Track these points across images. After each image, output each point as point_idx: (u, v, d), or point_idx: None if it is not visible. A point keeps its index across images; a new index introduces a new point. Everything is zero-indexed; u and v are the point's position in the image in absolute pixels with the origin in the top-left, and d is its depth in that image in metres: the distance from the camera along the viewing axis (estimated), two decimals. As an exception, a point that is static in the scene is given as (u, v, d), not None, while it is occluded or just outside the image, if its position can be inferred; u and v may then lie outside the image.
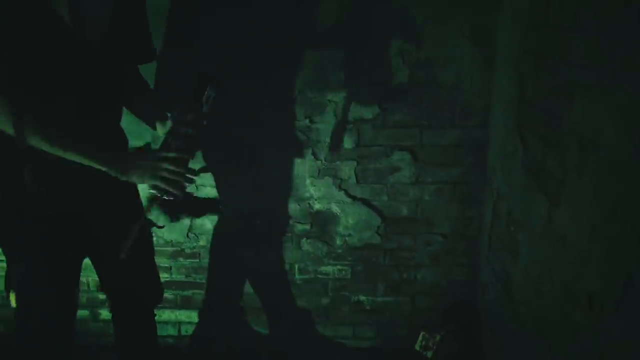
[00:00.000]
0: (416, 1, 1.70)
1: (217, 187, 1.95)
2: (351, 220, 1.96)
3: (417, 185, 1.92)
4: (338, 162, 1.90)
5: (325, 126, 1.86)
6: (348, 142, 1.87)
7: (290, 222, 1.97)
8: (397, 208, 1.95)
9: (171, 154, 1.20)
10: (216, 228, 2.00)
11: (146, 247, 1.48)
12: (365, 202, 1.94)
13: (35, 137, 1.11)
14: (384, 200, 1.94)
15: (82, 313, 1.97)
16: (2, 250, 1.31)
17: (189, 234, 2.00)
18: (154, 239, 1.98)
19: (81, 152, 1.15)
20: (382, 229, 1.97)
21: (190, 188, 1.91)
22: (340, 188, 1.93)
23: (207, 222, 1.99)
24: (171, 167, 1.19)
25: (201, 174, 1.90)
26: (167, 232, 1.99)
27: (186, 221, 1.98)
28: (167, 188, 1.20)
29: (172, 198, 1.21)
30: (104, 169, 1.17)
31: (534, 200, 1.43)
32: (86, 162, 1.16)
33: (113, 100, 1.32)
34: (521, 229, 1.54)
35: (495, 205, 1.78)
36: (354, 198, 1.94)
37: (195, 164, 1.83)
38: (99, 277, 1.48)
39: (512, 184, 1.63)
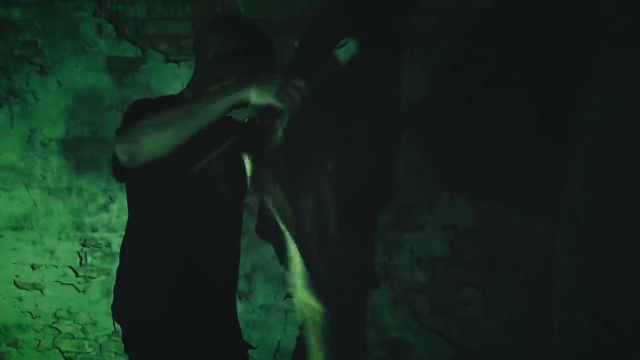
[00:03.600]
0: (489, 163, 2.01)
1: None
2: (425, 350, 2.13)
3: (487, 319, 2.08)
4: (414, 295, 2.11)
5: (402, 262, 2.10)
6: (422, 277, 2.10)
7: (368, 347, 2.16)
8: (467, 340, 2.11)
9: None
10: (299, 351, 2.21)
11: None
12: (438, 333, 2.12)
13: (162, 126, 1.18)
14: (456, 332, 2.11)
15: None
16: None
17: (276, 354, 2.21)
18: None
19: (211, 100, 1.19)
20: (453, 360, 2.12)
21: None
22: (415, 319, 2.12)
23: (293, 345, 2.20)
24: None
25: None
26: (257, 353, 2.21)
27: (274, 342, 2.21)
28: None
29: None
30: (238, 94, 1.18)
31: (602, 344, 1.57)
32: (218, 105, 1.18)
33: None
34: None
35: (563, 343, 1.91)
36: (427, 329, 2.12)
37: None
38: None
39: (579, 326, 1.78)
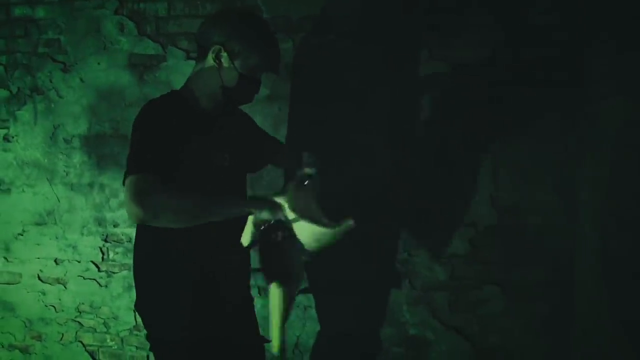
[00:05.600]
0: (504, 161, 2.00)
1: (320, 309, 2.20)
2: (444, 347, 2.13)
3: (507, 317, 2.07)
4: (433, 292, 2.11)
5: (421, 259, 2.10)
6: (442, 275, 2.10)
7: (387, 344, 2.17)
8: (486, 338, 2.10)
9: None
10: (317, 346, 2.22)
11: None
12: (457, 331, 2.11)
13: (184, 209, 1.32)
14: (475, 329, 2.11)
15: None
16: None
17: (295, 350, 2.23)
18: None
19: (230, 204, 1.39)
20: (472, 357, 2.11)
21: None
22: (434, 316, 2.12)
23: (311, 340, 2.22)
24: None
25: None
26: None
27: (292, 338, 2.22)
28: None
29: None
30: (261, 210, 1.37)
31: (622, 346, 1.56)
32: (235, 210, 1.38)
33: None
34: (613, 369, 1.65)
35: (583, 343, 1.90)
36: (446, 326, 2.12)
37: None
38: None
39: (600, 328, 1.76)
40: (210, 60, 1.44)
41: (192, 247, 1.46)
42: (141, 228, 1.52)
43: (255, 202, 1.40)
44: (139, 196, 1.27)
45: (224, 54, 1.42)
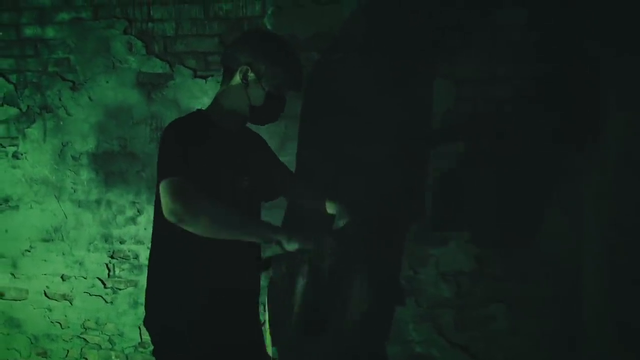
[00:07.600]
0: (509, 175, 2.00)
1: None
2: (450, 365, 2.12)
3: (513, 334, 2.06)
4: (438, 310, 2.10)
5: (426, 277, 2.10)
6: (447, 292, 2.09)
7: (393, 362, 2.16)
8: (493, 355, 2.09)
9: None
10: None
11: None
12: (463, 349, 2.10)
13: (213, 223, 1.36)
14: (481, 347, 2.09)
15: None
16: None
17: (300, 368, 2.22)
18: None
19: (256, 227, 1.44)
20: (479, 376, 2.10)
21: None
22: (440, 334, 2.11)
23: (316, 358, 2.21)
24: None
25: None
26: (280, 365, 2.23)
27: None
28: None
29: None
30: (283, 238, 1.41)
31: (628, 356, 1.55)
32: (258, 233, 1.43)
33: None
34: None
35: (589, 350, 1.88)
36: (452, 344, 2.11)
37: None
38: None
39: (607, 341, 1.75)
40: (237, 80, 1.49)
41: (207, 268, 1.47)
42: (157, 246, 1.53)
43: (292, 233, 1.43)
44: (182, 195, 1.32)
45: (251, 74, 1.47)
